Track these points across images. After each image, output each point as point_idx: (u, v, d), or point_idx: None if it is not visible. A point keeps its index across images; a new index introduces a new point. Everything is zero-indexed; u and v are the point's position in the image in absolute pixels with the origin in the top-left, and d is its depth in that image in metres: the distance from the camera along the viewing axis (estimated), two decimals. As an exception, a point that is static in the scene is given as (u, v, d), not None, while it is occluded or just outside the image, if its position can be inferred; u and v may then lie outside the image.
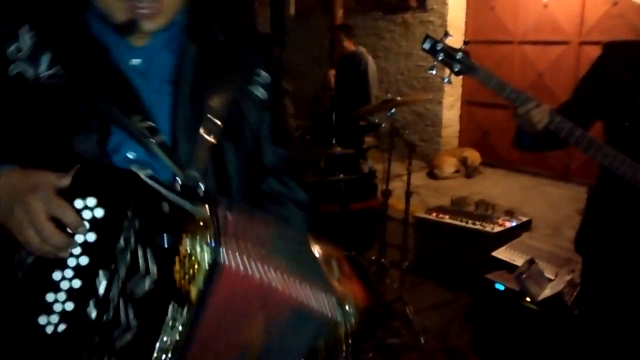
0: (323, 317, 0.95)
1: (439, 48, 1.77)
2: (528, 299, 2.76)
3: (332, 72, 6.68)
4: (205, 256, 0.83)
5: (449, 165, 6.44)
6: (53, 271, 0.87)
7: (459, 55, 1.76)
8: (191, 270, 0.83)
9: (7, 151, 0.96)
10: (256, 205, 1.14)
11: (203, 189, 0.91)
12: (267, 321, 0.91)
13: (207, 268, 0.82)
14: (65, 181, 0.86)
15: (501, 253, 3.29)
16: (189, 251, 0.82)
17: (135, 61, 1.03)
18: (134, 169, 0.86)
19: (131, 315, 0.84)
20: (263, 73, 1.12)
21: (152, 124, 0.95)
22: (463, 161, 6.48)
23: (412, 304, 3.36)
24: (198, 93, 1.03)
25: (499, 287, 2.89)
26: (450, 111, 7.02)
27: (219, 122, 1.01)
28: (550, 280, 2.94)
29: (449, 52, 1.77)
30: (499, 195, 5.55)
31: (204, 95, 1.03)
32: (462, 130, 7.22)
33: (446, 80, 1.87)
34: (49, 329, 0.86)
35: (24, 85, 0.96)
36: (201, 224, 0.84)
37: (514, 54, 6.57)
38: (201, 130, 0.99)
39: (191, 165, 0.95)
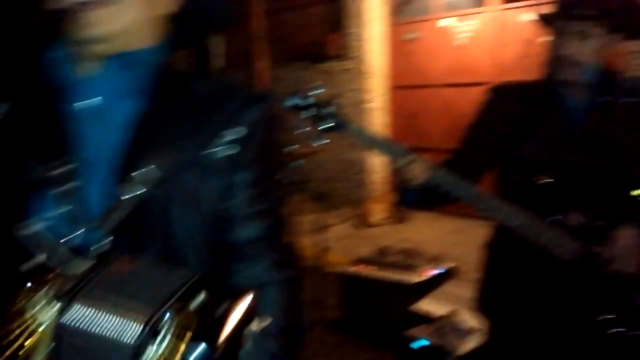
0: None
1: (303, 104, 1.53)
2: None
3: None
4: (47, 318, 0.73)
5: (378, 211, 6.29)
6: None
7: (329, 110, 1.53)
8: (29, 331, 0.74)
9: None
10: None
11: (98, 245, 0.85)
12: None
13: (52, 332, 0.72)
14: None
15: (423, 305, 3.09)
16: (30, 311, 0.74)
17: (88, 103, 0.93)
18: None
19: None
20: (237, 130, 0.97)
21: (67, 169, 0.89)
22: (394, 206, 6.34)
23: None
24: (146, 145, 0.93)
25: (418, 344, 2.67)
26: (376, 157, 6.92)
27: (154, 174, 0.91)
28: (475, 330, 2.74)
29: (315, 108, 1.53)
30: (429, 240, 5.41)
31: (150, 148, 0.93)
32: (391, 175, 7.12)
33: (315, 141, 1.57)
34: None
35: None
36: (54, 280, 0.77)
37: (435, 97, 6.58)
38: (131, 178, 0.90)
39: (105, 218, 0.88)
